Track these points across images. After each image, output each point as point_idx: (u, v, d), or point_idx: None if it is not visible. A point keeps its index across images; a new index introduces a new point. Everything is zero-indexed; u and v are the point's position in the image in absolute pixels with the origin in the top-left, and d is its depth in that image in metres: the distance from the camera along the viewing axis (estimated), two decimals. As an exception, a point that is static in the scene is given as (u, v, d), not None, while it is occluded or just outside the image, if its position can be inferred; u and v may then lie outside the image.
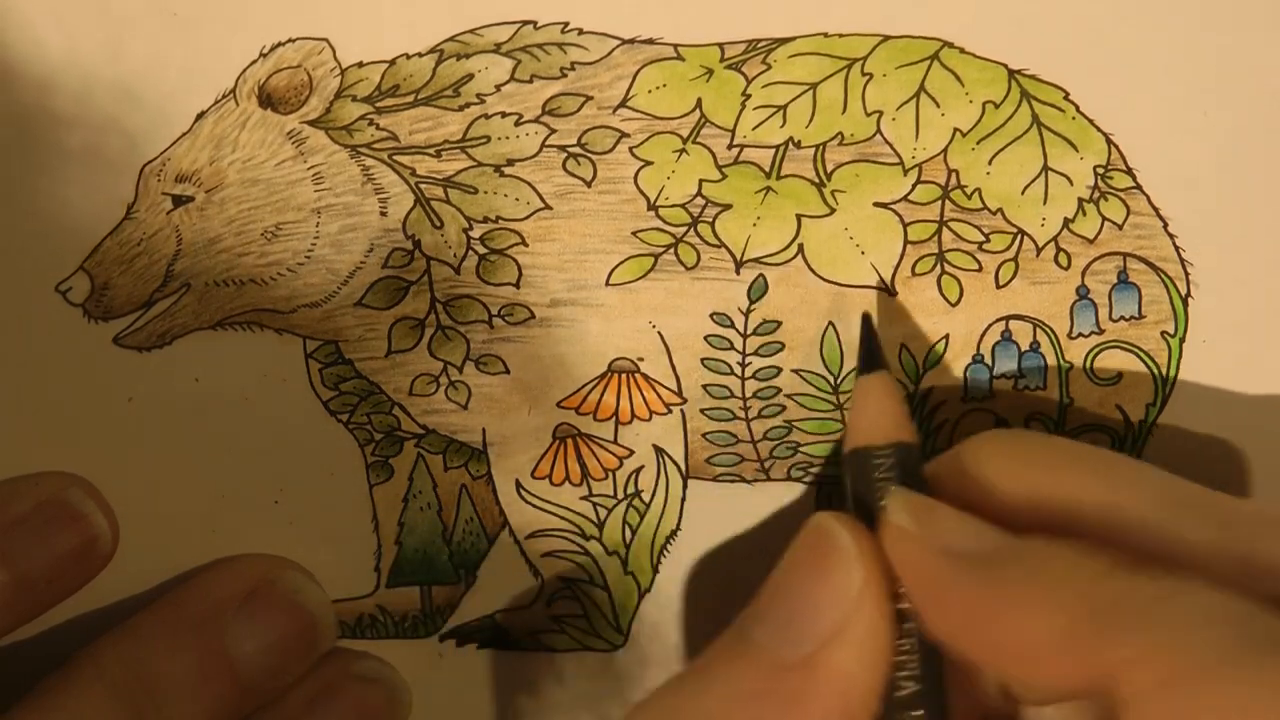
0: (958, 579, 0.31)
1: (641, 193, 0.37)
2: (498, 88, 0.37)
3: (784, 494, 0.39)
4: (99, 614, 0.38)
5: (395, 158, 0.37)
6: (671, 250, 0.37)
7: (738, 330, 0.38)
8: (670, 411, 0.38)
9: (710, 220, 0.37)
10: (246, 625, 0.37)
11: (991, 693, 0.32)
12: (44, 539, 0.36)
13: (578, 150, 0.37)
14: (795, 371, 0.38)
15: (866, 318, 0.36)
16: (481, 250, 0.37)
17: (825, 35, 0.37)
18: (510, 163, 0.37)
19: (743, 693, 0.31)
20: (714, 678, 0.32)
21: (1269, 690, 0.27)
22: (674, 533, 0.39)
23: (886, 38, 0.37)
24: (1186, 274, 0.37)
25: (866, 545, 0.32)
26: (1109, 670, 0.28)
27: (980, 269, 0.37)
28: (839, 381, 0.38)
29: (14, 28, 0.36)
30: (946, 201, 0.37)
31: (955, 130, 0.37)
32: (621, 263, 0.37)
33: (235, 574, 0.38)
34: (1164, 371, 0.38)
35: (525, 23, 0.37)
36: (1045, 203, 0.37)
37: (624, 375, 0.38)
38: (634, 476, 0.38)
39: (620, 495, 0.38)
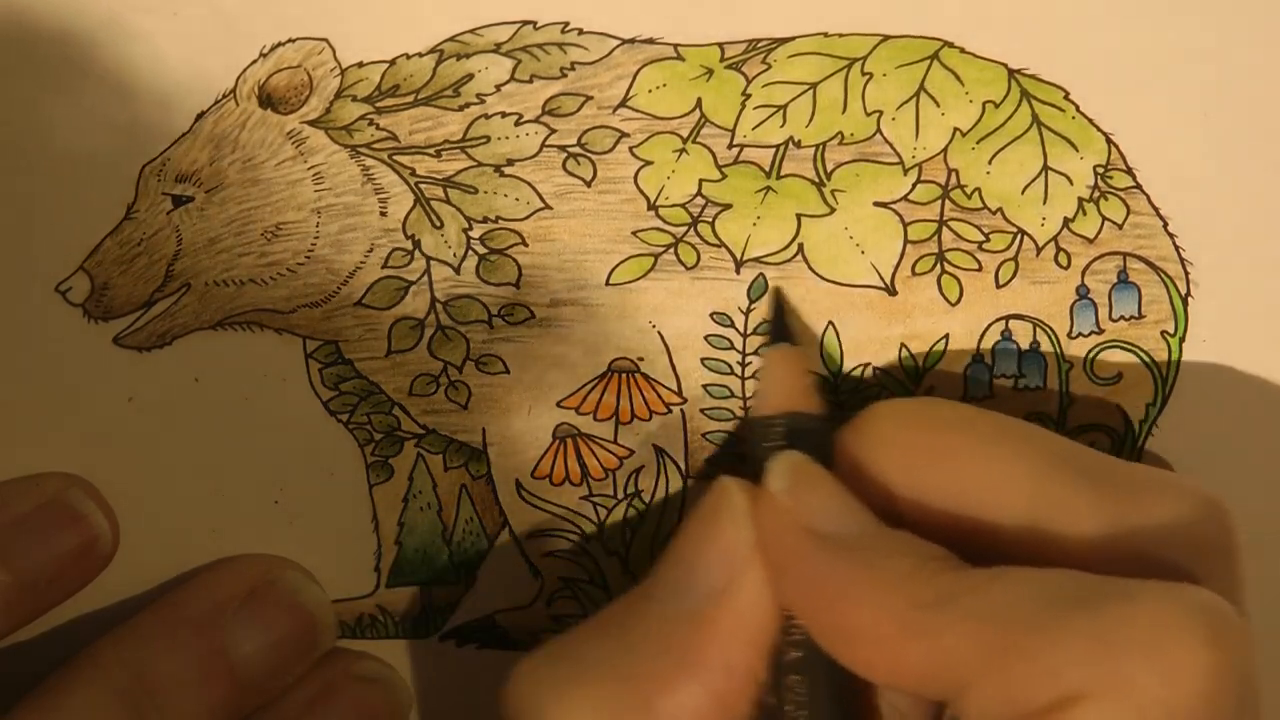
0: (812, 558, 0.32)
1: (641, 193, 0.37)
2: (498, 88, 0.37)
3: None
4: (99, 614, 0.38)
5: (395, 158, 0.37)
6: (671, 250, 0.37)
7: (738, 330, 0.38)
8: (670, 411, 0.38)
9: (710, 220, 0.37)
10: (246, 625, 0.37)
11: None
12: (44, 540, 0.36)
13: (578, 150, 0.37)
14: (795, 371, 0.38)
15: (778, 291, 0.37)
16: (481, 250, 0.37)
17: (825, 35, 0.37)
18: (510, 163, 0.37)
19: (635, 639, 0.33)
20: (611, 624, 0.33)
21: (1084, 637, 0.28)
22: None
23: (886, 37, 0.37)
24: (1186, 274, 0.37)
25: (761, 508, 0.33)
26: (941, 660, 0.29)
27: (980, 269, 0.37)
28: (839, 381, 0.38)
29: (14, 28, 0.36)
30: (946, 201, 0.37)
31: (955, 130, 0.37)
32: (621, 263, 0.37)
33: (235, 574, 0.38)
34: (1164, 371, 0.38)
35: (525, 23, 0.37)
36: (1045, 202, 0.37)
37: (624, 375, 0.38)
38: (634, 476, 0.38)
39: (620, 495, 0.38)
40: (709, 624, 0.32)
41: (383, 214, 0.37)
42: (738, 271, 0.37)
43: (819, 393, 0.35)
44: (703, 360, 0.38)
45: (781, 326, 0.37)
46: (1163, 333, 0.38)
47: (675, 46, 0.37)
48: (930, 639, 0.29)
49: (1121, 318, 0.38)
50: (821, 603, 0.32)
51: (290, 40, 0.37)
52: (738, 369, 0.38)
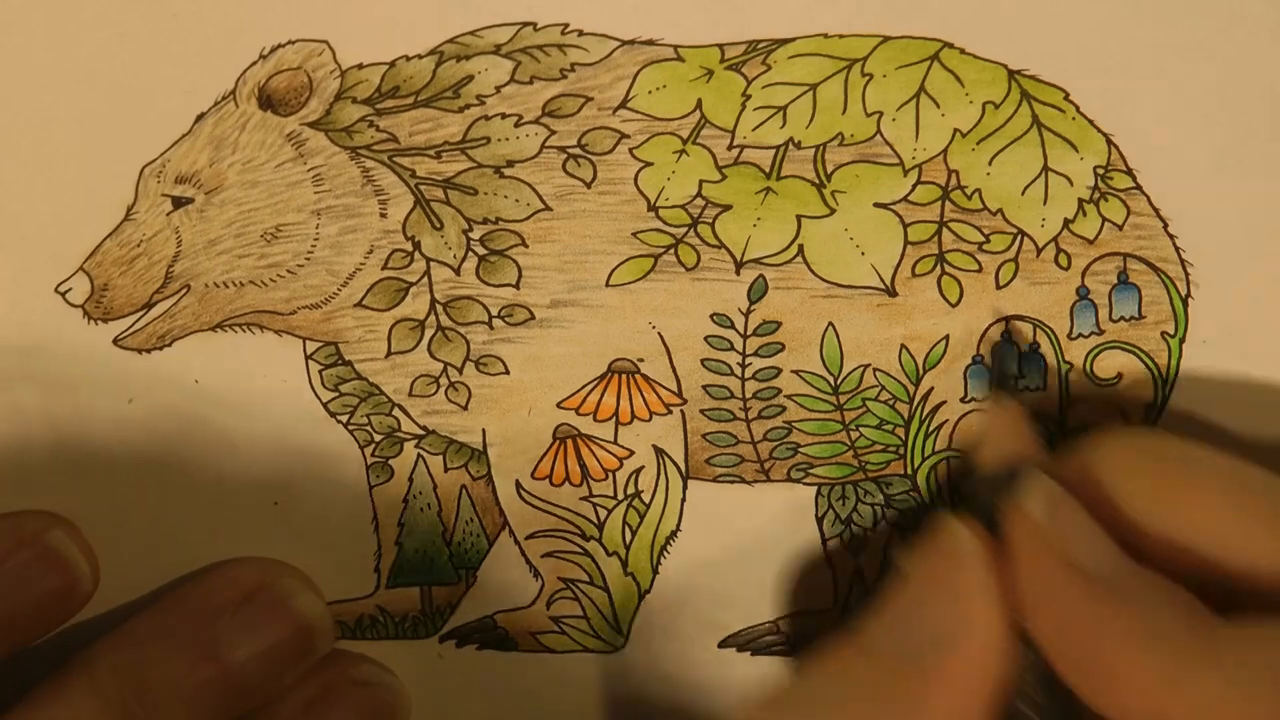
0: (1073, 596, 0.31)
1: (641, 194, 0.37)
2: (498, 89, 0.37)
3: (784, 494, 0.39)
4: (96, 616, 0.38)
5: (395, 159, 0.37)
6: (671, 251, 0.37)
7: (738, 331, 0.38)
8: (670, 412, 0.38)
9: (710, 221, 0.37)
10: (241, 631, 0.37)
11: None
12: (24, 581, 0.36)
13: (578, 151, 0.37)
14: (795, 372, 0.38)
15: (996, 344, 0.37)
16: (481, 251, 0.37)
17: (825, 36, 0.37)
18: (510, 164, 0.37)
19: (858, 690, 0.32)
20: (837, 672, 0.32)
21: None
22: (674, 533, 0.39)
23: (886, 38, 0.37)
24: (1186, 274, 0.37)
25: (991, 555, 0.32)
26: (1199, 710, 0.29)
27: (980, 269, 0.37)
28: (839, 382, 0.38)
29: (14, 28, 0.36)
30: (946, 202, 0.37)
31: (955, 131, 0.37)
32: (621, 263, 0.37)
33: (231, 579, 0.38)
34: (1164, 372, 0.38)
35: (525, 24, 0.37)
36: (1045, 203, 0.37)
37: (624, 376, 0.38)
38: (634, 477, 0.38)
39: (620, 496, 0.38)
40: (939, 674, 0.31)
41: (383, 215, 0.37)
42: (738, 272, 0.37)
43: (1043, 446, 0.34)
44: (703, 361, 0.38)
45: (1004, 376, 0.36)
46: (1163, 334, 0.38)
47: (675, 48, 0.37)
48: (1196, 692, 0.29)
49: (1121, 319, 0.38)
50: (1080, 643, 0.31)
51: (290, 42, 0.37)
52: (738, 370, 0.38)
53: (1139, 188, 0.37)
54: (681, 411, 0.38)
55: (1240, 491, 0.32)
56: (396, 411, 0.38)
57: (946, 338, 0.37)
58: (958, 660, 0.31)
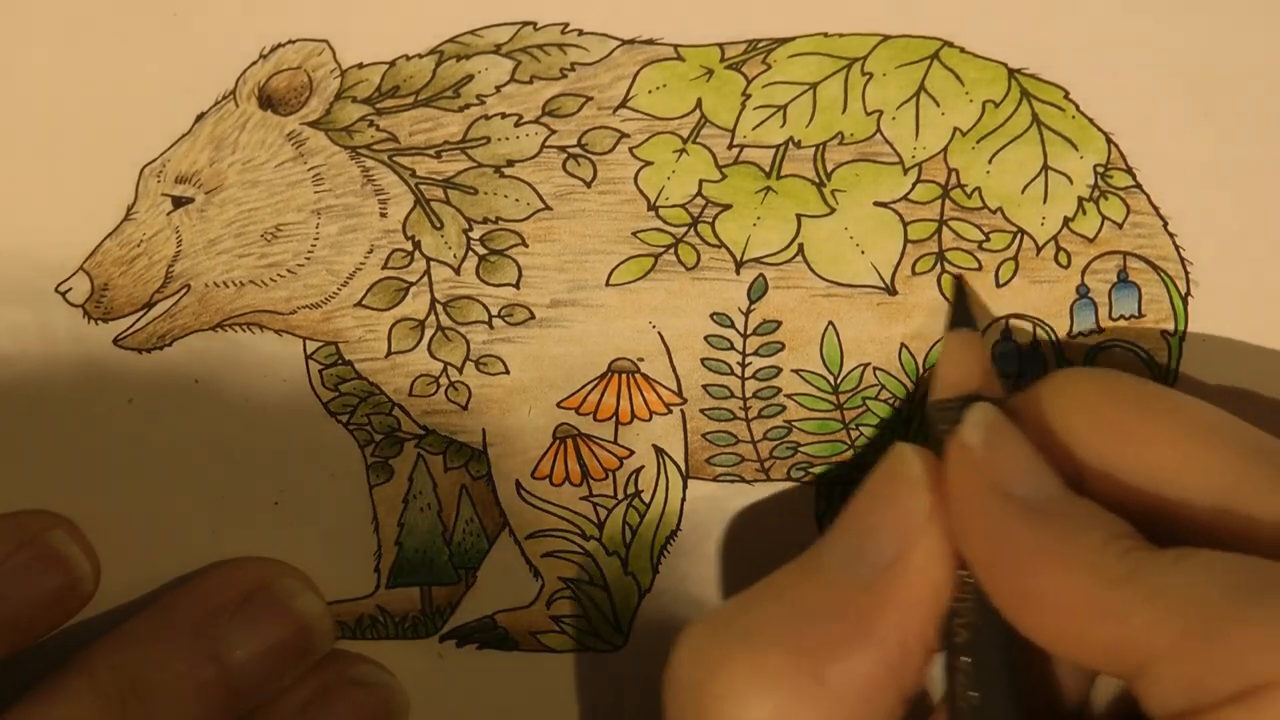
0: (1001, 519, 0.31)
1: (641, 193, 0.37)
2: (498, 89, 0.37)
3: (784, 494, 0.39)
4: (96, 616, 0.38)
5: (395, 159, 0.37)
6: (671, 250, 0.37)
7: (738, 330, 0.38)
8: (670, 411, 0.38)
9: (710, 220, 0.37)
10: (240, 631, 0.37)
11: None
12: (25, 581, 0.36)
13: (578, 151, 0.37)
14: (795, 371, 0.38)
15: (960, 278, 0.37)
16: (481, 251, 0.37)
17: (825, 35, 0.37)
18: (510, 163, 0.37)
19: (808, 606, 0.32)
20: (782, 590, 0.33)
21: (1268, 628, 0.28)
22: (674, 533, 0.39)
23: (886, 37, 0.37)
24: (1186, 273, 0.37)
25: (937, 478, 0.33)
26: (1123, 636, 0.29)
27: (980, 268, 0.37)
28: (839, 381, 0.38)
29: (14, 27, 0.36)
30: (946, 201, 0.37)
31: (955, 129, 0.37)
32: (621, 263, 0.37)
33: (230, 580, 0.38)
34: (1164, 371, 0.38)
35: (525, 24, 0.37)
36: (1045, 202, 0.37)
37: (624, 375, 0.38)
38: (634, 476, 0.38)
39: (620, 495, 0.38)
40: (883, 592, 0.32)
41: (383, 215, 0.37)
42: (738, 272, 0.37)
43: (999, 378, 0.35)
44: (703, 360, 0.38)
45: (964, 311, 0.37)
46: (1163, 332, 0.38)
47: (675, 47, 0.37)
48: (1117, 617, 0.29)
49: (1121, 317, 0.38)
50: (1007, 567, 0.31)
51: (290, 41, 0.37)
52: (738, 369, 0.38)
53: (1139, 186, 0.37)
54: (681, 411, 0.38)
55: (1186, 426, 0.32)
56: (396, 411, 0.38)
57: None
58: (904, 581, 0.32)
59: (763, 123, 0.37)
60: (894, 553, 0.32)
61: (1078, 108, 0.37)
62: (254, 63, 0.37)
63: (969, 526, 0.32)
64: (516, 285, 0.37)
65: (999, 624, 0.32)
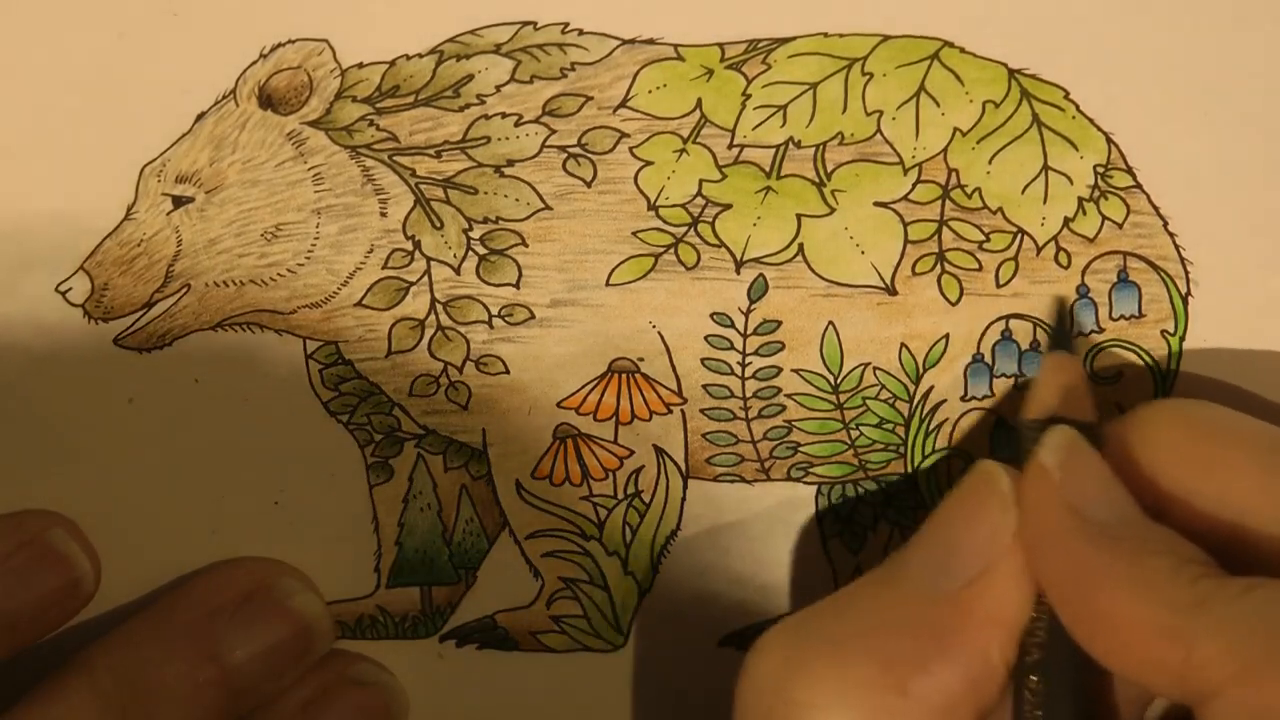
0: (1073, 541, 0.31)
1: (642, 193, 0.37)
2: (498, 88, 0.37)
3: (784, 494, 0.39)
4: (96, 616, 0.38)
5: (395, 158, 0.37)
6: (672, 250, 0.37)
7: (738, 330, 0.38)
8: (670, 411, 0.38)
9: (710, 220, 0.37)
10: (240, 631, 0.37)
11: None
12: (26, 580, 0.36)
13: (578, 150, 0.37)
14: (795, 371, 0.38)
15: (1061, 300, 0.37)
16: (481, 251, 0.37)
17: (825, 35, 0.37)
18: (510, 163, 0.37)
19: (889, 619, 0.32)
20: (860, 603, 0.33)
21: None
22: (674, 533, 0.39)
23: (886, 37, 0.37)
24: (1186, 273, 0.37)
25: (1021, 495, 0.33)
26: (1192, 663, 0.29)
27: (980, 268, 0.37)
28: (839, 381, 0.38)
29: (14, 27, 0.36)
30: (946, 201, 0.37)
31: (955, 130, 0.37)
32: (622, 263, 0.37)
33: (229, 580, 0.38)
34: (1164, 370, 0.38)
35: (525, 23, 0.37)
36: (1045, 202, 0.37)
37: (624, 375, 0.38)
38: (634, 476, 0.38)
39: (620, 495, 0.38)
40: (968, 607, 0.32)
41: (383, 215, 0.37)
42: (738, 272, 0.37)
43: (1093, 402, 0.34)
44: (703, 360, 0.38)
45: (1062, 333, 0.37)
46: (1163, 332, 0.38)
47: (675, 47, 0.37)
48: (1184, 643, 0.29)
49: (1121, 317, 0.38)
50: (1077, 589, 0.31)
51: (290, 41, 0.37)
52: (738, 369, 0.38)
53: (1139, 186, 0.37)
54: (681, 411, 0.38)
55: (1264, 456, 0.32)
56: (396, 411, 0.38)
57: (946, 336, 0.37)
58: (988, 596, 0.32)
59: (763, 123, 0.37)
60: (979, 568, 0.32)
61: (1078, 108, 0.37)
62: (254, 62, 0.37)
63: (1042, 546, 0.32)
64: (516, 285, 0.37)
65: (1069, 645, 0.32)
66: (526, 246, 0.37)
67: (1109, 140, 0.37)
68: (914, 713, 0.31)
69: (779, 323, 0.37)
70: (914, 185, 0.37)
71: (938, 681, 0.31)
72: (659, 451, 0.38)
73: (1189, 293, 0.38)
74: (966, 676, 0.32)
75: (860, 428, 0.38)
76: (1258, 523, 0.31)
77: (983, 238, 0.37)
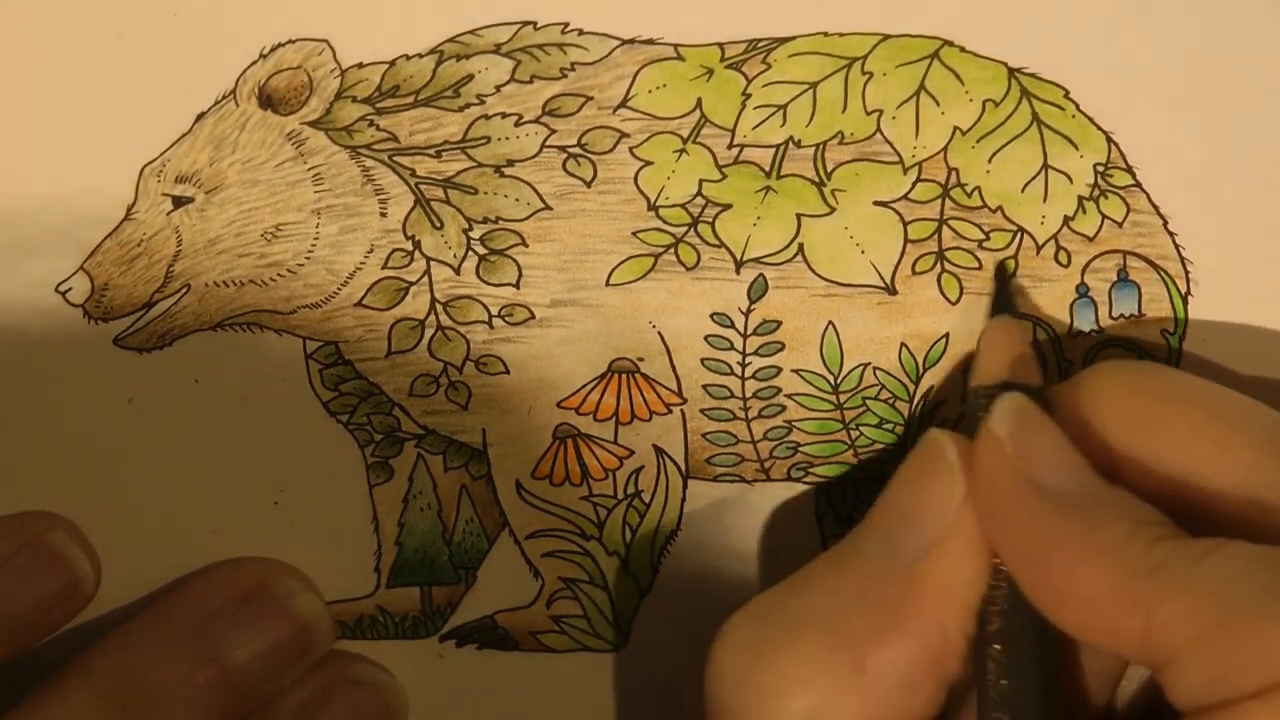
0: (1029, 510, 0.31)
1: (641, 193, 0.37)
2: (498, 88, 0.37)
3: (784, 494, 0.39)
4: (96, 618, 0.38)
5: (395, 158, 0.37)
6: (671, 250, 0.37)
7: (738, 330, 0.38)
8: (670, 411, 0.38)
9: (710, 220, 0.37)
10: (239, 632, 0.37)
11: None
12: (26, 581, 0.36)
13: (578, 151, 0.37)
14: (795, 371, 0.38)
15: (1002, 263, 0.37)
16: (481, 251, 0.37)
17: (825, 35, 0.37)
18: (510, 163, 0.37)
19: (847, 596, 0.32)
20: (820, 580, 0.33)
21: None
22: (674, 533, 0.39)
23: (886, 37, 0.37)
24: (1186, 272, 0.37)
25: (972, 463, 0.33)
26: (1152, 628, 0.29)
27: (980, 267, 0.37)
28: (839, 381, 0.38)
29: (14, 28, 0.36)
30: (946, 200, 0.37)
31: (955, 129, 0.37)
32: (621, 263, 0.37)
33: (228, 580, 0.38)
34: (1164, 370, 0.38)
35: (525, 23, 0.37)
36: (1045, 201, 0.37)
37: (624, 375, 0.38)
38: (634, 476, 0.38)
39: (620, 495, 0.38)
40: (921, 579, 0.32)
41: (383, 215, 0.37)
42: (738, 272, 0.37)
43: (1039, 365, 0.35)
44: (703, 360, 0.38)
45: (1005, 298, 0.37)
46: (1163, 331, 0.38)
47: (675, 46, 0.37)
48: (1144, 608, 0.29)
49: (1121, 316, 0.38)
50: (1035, 558, 0.31)
51: (290, 41, 0.37)
52: (738, 369, 0.38)
53: (1139, 185, 0.37)
54: (681, 411, 0.38)
55: (1220, 417, 0.32)
56: (396, 411, 0.38)
57: (947, 336, 0.37)
58: (941, 568, 0.32)
59: (763, 122, 0.37)
60: (930, 540, 0.32)
61: (1078, 107, 0.37)
62: (254, 63, 0.37)
63: (996, 515, 0.32)
64: (516, 285, 0.37)
65: (1031, 612, 0.32)
66: (526, 246, 0.37)
67: (1109, 139, 0.37)
68: (874, 689, 0.31)
69: (779, 323, 0.37)
70: (914, 184, 0.37)
71: (895, 656, 0.32)
72: (659, 451, 0.38)
73: (1189, 292, 0.38)
74: (925, 649, 0.32)
75: (860, 428, 0.38)
76: (1212, 481, 0.31)
77: (983, 236, 0.37)
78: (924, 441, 0.34)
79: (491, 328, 0.38)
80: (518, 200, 0.37)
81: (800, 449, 0.38)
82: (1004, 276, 0.37)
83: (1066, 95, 0.37)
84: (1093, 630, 0.30)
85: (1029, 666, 0.32)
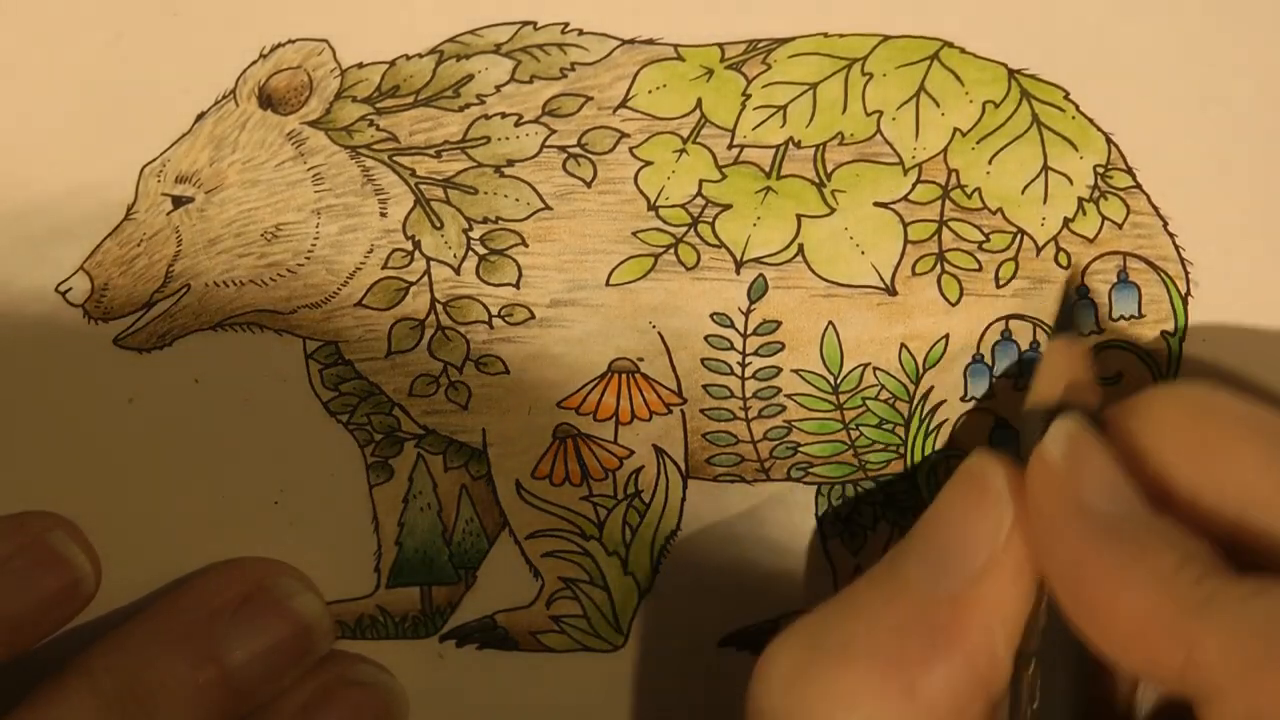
0: (1078, 534, 0.31)
1: (641, 193, 0.37)
2: (498, 88, 0.37)
3: (784, 494, 0.39)
4: (97, 618, 0.38)
5: (395, 158, 0.37)
6: (671, 250, 0.37)
7: (738, 330, 0.38)
8: (670, 411, 0.38)
9: (710, 220, 0.37)
10: (239, 632, 0.37)
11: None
12: (26, 582, 0.36)
13: (578, 151, 0.37)
14: (795, 371, 0.38)
15: (1069, 282, 0.37)
16: (481, 251, 0.37)
17: (825, 35, 0.37)
18: (510, 163, 0.37)
19: (894, 621, 0.32)
20: (862, 607, 0.33)
21: None
22: (674, 533, 0.39)
23: (886, 38, 0.37)
24: (1186, 273, 0.38)
25: (1019, 487, 0.33)
26: (1194, 661, 0.29)
27: (980, 268, 0.37)
28: (839, 381, 0.38)
29: (14, 27, 0.36)
30: (946, 201, 0.37)
31: (955, 130, 0.37)
32: (621, 263, 0.37)
33: (228, 580, 0.38)
34: (1163, 371, 0.38)
35: (525, 23, 0.37)
36: (1045, 202, 0.37)
37: (624, 375, 0.38)
38: (634, 476, 0.38)
39: (620, 495, 0.38)
40: (970, 605, 0.32)
41: (383, 215, 0.37)
42: (738, 272, 0.37)
43: (1098, 387, 0.34)
44: (703, 360, 0.38)
45: (1067, 316, 0.36)
46: (1163, 332, 0.38)
47: (675, 47, 0.37)
48: (1187, 643, 0.29)
49: (1121, 317, 0.38)
50: (1080, 583, 0.31)
51: (290, 41, 0.37)
52: (738, 369, 0.38)
53: (1139, 186, 0.37)
54: (681, 411, 0.38)
55: (1273, 447, 0.32)
56: (396, 411, 0.38)
57: (946, 336, 0.37)
58: (990, 593, 0.32)
59: (763, 123, 0.37)
60: (979, 565, 0.32)
61: (1078, 108, 0.37)
62: (254, 62, 0.37)
63: (1046, 539, 0.32)
64: (516, 285, 0.37)
65: (1068, 633, 0.32)
66: (526, 246, 0.37)
67: (1109, 140, 0.37)
68: (923, 713, 0.31)
69: (779, 323, 0.37)
70: (914, 185, 0.37)
71: (945, 681, 0.31)
72: (659, 451, 0.38)
73: (1189, 293, 0.38)
74: (973, 674, 0.32)
75: (860, 428, 0.38)
76: (1264, 513, 0.31)
77: (983, 238, 0.37)
78: (970, 464, 0.33)
79: (491, 328, 0.38)
80: (518, 200, 0.37)
81: (800, 449, 0.38)
82: (1068, 294, 0.37)
83: (1066, 96, 0.37)
84: (1132, 659, 0.30)
85: (1062, 685, 0.32)
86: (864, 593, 0.33)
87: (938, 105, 0.37)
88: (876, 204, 0.37)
